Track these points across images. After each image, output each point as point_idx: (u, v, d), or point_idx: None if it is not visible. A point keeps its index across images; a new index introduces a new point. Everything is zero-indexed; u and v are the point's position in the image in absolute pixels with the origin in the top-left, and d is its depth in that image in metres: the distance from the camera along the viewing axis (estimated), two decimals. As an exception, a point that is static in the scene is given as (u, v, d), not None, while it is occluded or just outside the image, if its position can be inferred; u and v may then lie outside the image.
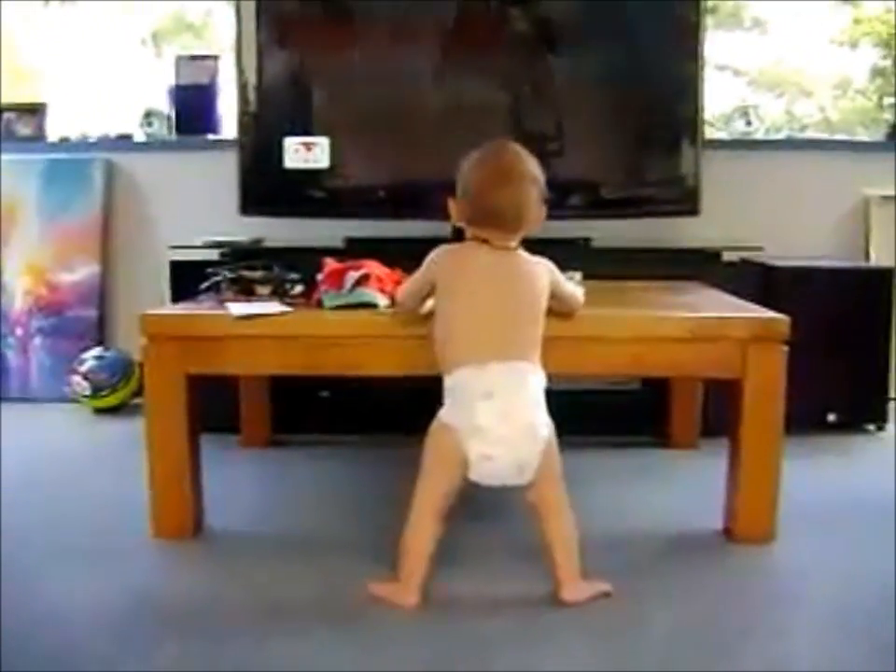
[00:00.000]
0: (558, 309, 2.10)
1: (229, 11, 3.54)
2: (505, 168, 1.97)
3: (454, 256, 2.00)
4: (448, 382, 1.91)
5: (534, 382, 1.91)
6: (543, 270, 2.02)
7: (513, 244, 1.99)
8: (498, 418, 1.84)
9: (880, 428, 3.27)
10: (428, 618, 1.86)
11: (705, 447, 2.97)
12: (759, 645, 1.78)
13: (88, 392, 3.55)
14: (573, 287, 2.18)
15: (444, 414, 1.90)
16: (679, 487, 2.69)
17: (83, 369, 3.56)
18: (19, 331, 3.85)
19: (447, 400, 1.90)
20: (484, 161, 2.00)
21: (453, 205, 2.02)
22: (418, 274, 2.06)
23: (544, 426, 1.89)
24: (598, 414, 3.12)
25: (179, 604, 1.94)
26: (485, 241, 1.97)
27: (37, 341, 3.85)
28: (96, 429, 3.42)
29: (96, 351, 3.66)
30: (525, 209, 1.96)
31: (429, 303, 2.08)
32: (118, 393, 3.57)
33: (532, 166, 2.00)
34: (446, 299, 1.97)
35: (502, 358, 1.88)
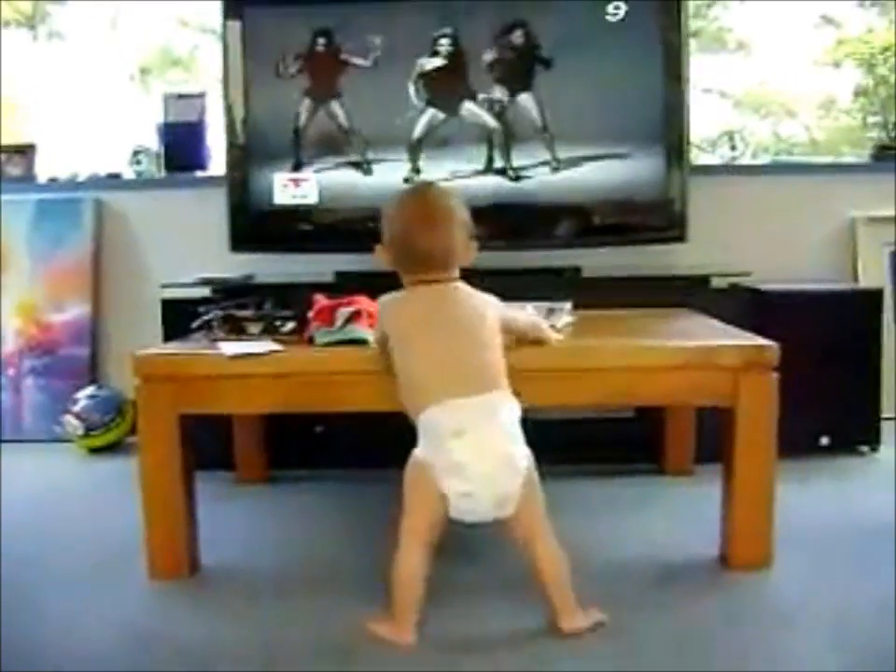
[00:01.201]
0: (523, 339, 2.12)
1: (216, 46, 3.55)
2: (427, 211, 1.99)
3: (396, 304, 2.02)
4: (419, 423, 1.91)
5: (506, 412, 1.90)
6: (487, 305, 2.01)
7: (451, 276, 2.00)
8: (473, 454, 1.83)
9: (874, 450, 3.27)
10: (425, 654, 1.85)
11: (700, 473, 2.97)
12: (757, 670, 1.78)
13: (81, 431, 3.54)
14: (526, 316, 2.17)
15: (419, 452, 1.90)
16: (675, 514, 2.68)
17: (76, 408, 3.56)
18: (11, 372, 3.85)
19: (421, 440, 1.91)
20: (406, 205, 2.03)
21: (381, 251, 2.04)
22: (376, 325, 2.10)
23: (522, 457, 1.88)
24: (592, 443, 3.13)
25: (176, 643, 1.93)
26: (422, 281, 1.99)
27: (30, 381, 3.84)
28: (90, 469, 3.41)
29: (89, 390, 3.66)
30: (451, 250, 1.98)
31: None
32: (111, 432, 3.56)
33: (454, 205, 2.01)
34: (399, 347, 1.99)
35: (467, 393, 1.87)
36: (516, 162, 3.36)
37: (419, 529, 1.89)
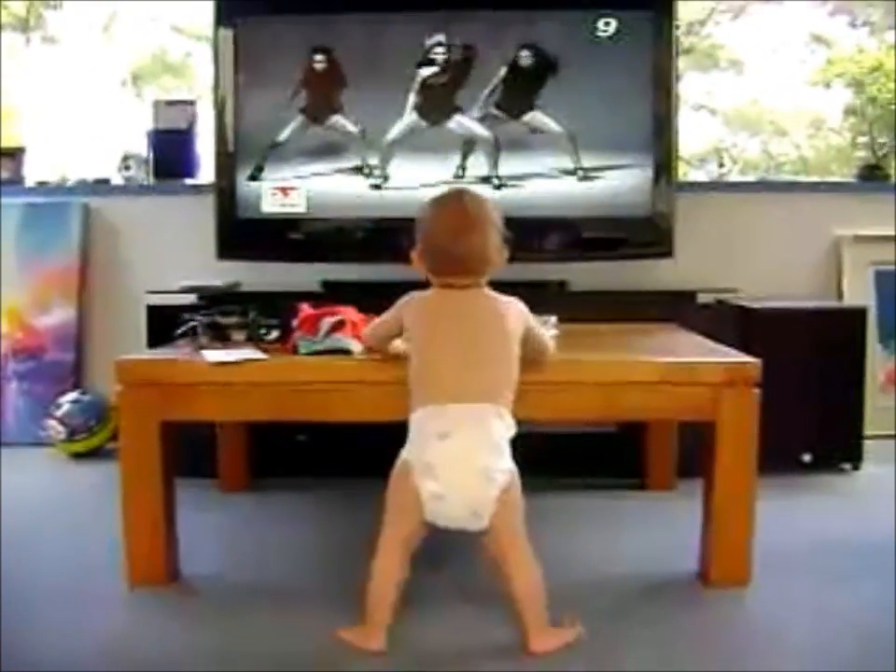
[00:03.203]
0: (529, 356, 2.11)
1: (209, 53, 3.55)
2: (462, 216, 1.98)
3: (420, 303, 2.02)
4: (411, 421, 1.91)
5: (495, 426, 1.89)
6: (515, 311, 2.01)
7: (480, 282, 2.00)
8: (451, 459, 1.83)
9: (856, 468, 3.27)
10: (396, 667, 1.84)
11: (682, 488, 2.96)
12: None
13: (64, 436, 3.53)
14: (542, 331, 2.17)
15: (405, 452, 1.90)
16: (656, 530, 2.68)
17: (59, 413, 3.55)
18: (-5, 375, 3.84)
19: (409, 439, 1.91)
20: (441, 209, 2.02)
21: (415, 257, 2.03)
22: (387, 315, 2.09)
23: (501, 471, 1.86)
24: (574, 456, 3.12)
25: (152, 652, 1.93)
26: (450, 285, 1.99)
27: (14, 385, 3.83)
28: (72, 474, 3.40)
29: (73, 395, 3.64)
30: (485, 255, 1.98)
31: (396, 342, 2.10)
32: (94, 437, 3.55)
33: (489, 210, 2.00)
34: (414, 344, 1.99)
35: (461, 400, 1.87)
36: (505, 172, 3.36)
37: (397, 532, 1.89)
